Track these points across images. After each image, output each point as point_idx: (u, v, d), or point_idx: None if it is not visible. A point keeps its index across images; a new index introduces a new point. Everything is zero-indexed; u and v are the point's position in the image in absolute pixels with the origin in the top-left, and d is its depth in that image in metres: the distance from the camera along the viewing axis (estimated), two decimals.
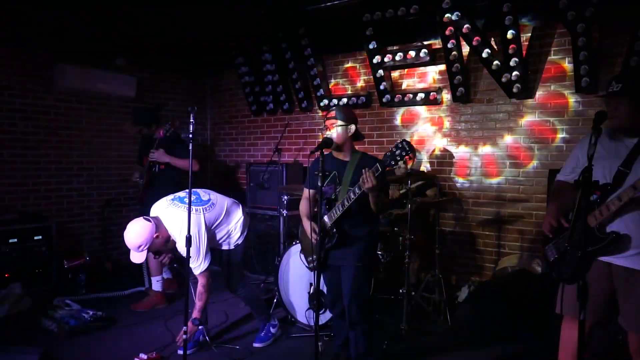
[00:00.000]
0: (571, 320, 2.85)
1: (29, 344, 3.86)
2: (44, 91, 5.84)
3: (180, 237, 3.50)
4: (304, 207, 3.54)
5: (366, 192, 3.01)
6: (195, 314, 3.68)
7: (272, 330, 4.13)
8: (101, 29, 5.75)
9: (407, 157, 2.92)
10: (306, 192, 3.52)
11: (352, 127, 3.28)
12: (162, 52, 6.56)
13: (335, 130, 3.25)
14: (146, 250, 3.52)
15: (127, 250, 3.53)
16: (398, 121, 5.72)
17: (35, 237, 5.26)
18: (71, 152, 6.12)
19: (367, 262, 3.32)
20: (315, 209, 3.37)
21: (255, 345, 4.01)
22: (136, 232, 3.47)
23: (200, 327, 3.88)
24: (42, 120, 5.84)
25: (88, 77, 5.98)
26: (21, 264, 5.11)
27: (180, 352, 3.42)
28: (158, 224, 3.56)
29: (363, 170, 2.95)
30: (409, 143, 2.89)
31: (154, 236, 3.50)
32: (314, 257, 3.25)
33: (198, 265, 3.58)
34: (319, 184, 3.01)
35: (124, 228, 3.51)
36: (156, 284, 4.94)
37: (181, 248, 3.53)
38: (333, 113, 3.30)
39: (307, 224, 3.41)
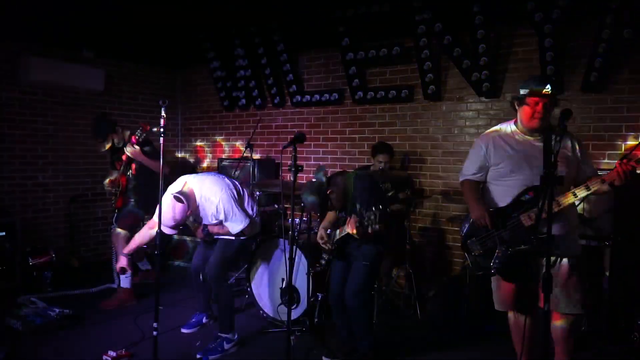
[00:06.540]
0: (513, 314, 3.12)
1: None
2: (9, 83, 5.68)
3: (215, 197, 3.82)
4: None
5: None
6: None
7: (226, 346, 3.79)
8: (68, 20, 5.60)
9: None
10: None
11: None
12: (131, 45, 6.43)
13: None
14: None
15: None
16: (370, 118, 5.77)
17: None
18: (36, 146, 5.96)
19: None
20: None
21: (198, 356, 3.68)
22: (172, 215, 3.65)
23: (204, 313, 4.31)
24: (5, 113, 5.68)
25: (54, 69, 5.85)
26: None
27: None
28: (188, 198, 3.71)
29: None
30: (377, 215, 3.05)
31: (187, 214, 3.73)
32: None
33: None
34: (292, 178, 3.07)
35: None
36: (124, 281, 4.84)
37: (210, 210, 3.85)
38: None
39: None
